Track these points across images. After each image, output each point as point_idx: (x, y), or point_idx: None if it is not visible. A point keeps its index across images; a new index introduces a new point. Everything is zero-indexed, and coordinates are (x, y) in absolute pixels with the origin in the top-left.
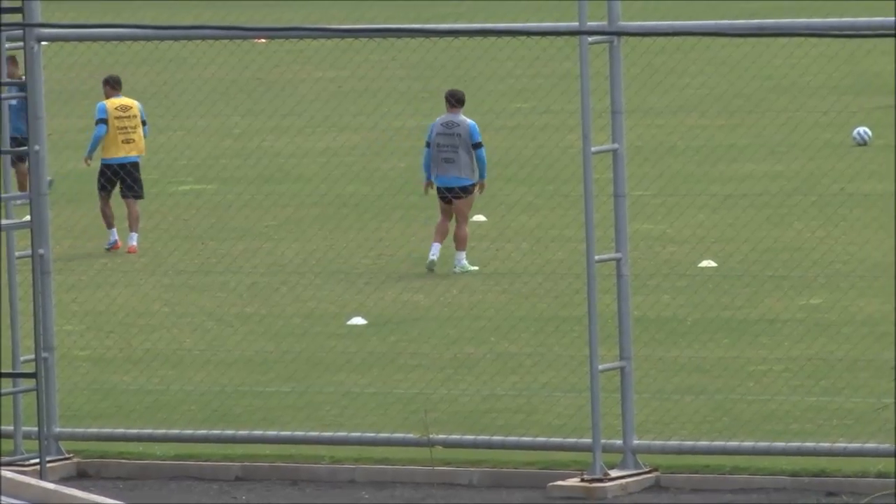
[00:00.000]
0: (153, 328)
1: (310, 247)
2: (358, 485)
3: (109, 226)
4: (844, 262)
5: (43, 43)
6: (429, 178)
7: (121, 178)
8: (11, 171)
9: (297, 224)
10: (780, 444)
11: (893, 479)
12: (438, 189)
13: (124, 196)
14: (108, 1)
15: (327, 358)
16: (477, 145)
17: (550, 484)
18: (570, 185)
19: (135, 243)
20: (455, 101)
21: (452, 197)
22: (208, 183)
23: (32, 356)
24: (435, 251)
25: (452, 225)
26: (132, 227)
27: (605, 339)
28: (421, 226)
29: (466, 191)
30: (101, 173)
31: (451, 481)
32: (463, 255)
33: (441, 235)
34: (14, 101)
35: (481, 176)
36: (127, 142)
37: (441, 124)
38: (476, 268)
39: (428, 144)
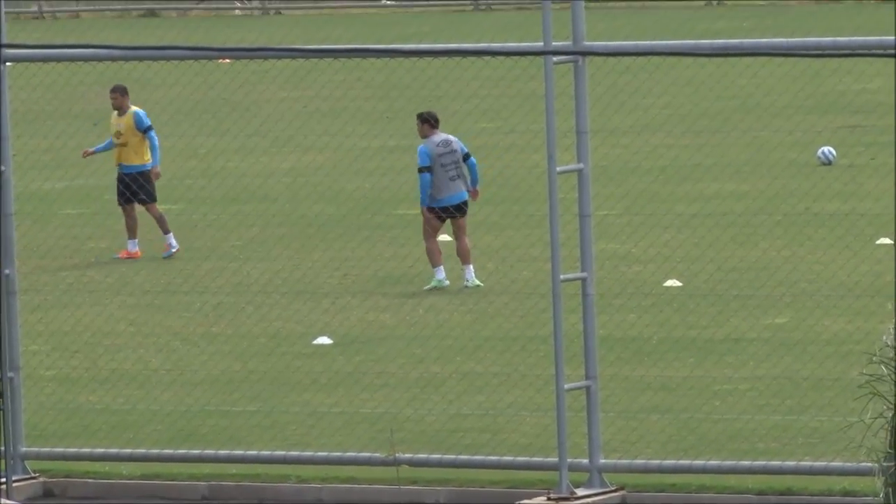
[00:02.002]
0: (119, 348)
1: (275, 266)
2: None
3: (132, 235)
4: (810, 282)
5: (7, 63)
6: (427, 203)
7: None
8: None
9: (263, 244)
10: (745, 463)
11: (865, 498)
12: (446, 209)
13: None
14: (73, 20)
15: (293, 377)
16: (467, 156)
17: (517, 502)
18: (535, 204)
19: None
20: (435, 121)
21: (459, 214)
22: (174, 203)
23: None
24: (443, 273)
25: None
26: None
27: (570, 359)
28: (386, 245)
29: (467, 204)
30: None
31: (418, 500)
32: (472, 268)
33: (441, 255)
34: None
35: (475, 183)
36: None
37: (438, 144)
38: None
39: (428, 169)
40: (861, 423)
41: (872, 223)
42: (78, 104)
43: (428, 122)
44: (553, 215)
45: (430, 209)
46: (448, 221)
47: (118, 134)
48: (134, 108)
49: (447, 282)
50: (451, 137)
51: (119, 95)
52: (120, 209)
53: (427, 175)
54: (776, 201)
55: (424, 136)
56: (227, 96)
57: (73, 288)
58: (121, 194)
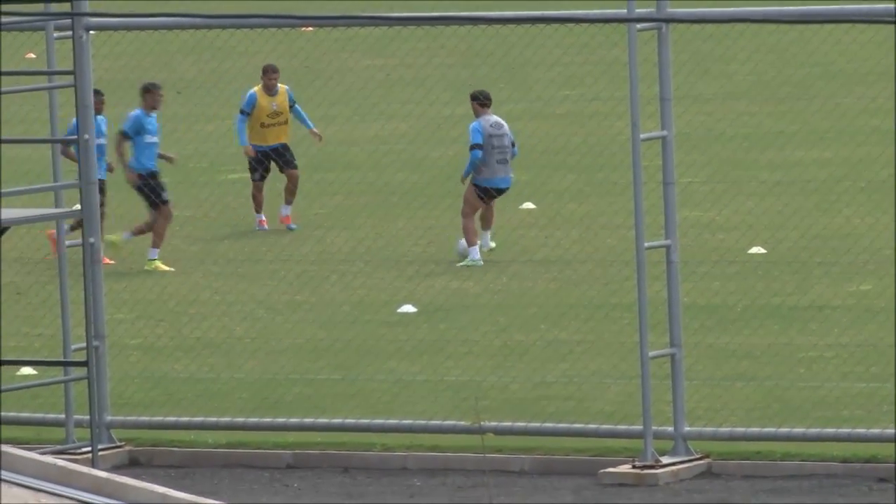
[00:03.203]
0: (203, 316)
1: (359, 235)
2: (409, 472)
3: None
4: (893, 249)
5: (91, 32)
6: (475, 180)
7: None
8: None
9: (346, 212)
10: (830, 431)
11: None
12: (488, 190)
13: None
14: None
15: (377, 346)
16: (512, 144)
17: (602, 471)
18: (619, 172)
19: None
20: (487, 100)
21: (496, 197)
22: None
23: (83, 345)
24: (478, 253)
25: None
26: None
27: (654, 326)
28: None
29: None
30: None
31: (503, 468)
32: (489, 234)
33: (477, 235)
34: (153, 139)
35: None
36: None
37: (492, 125)
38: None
39: (480, 147)
40: None
41: None
42: (161, 72)
43: (479, 100)
44: (637, 183)
45: (476, 187)
46: None
47: (275, 114)
48: (284, 86)
49: (482, 262)
50: (503, 121)
51: (278, 75)
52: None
53: (478, 152)
54: (859, 168)
55: (477, 114)
56: (310, 64)
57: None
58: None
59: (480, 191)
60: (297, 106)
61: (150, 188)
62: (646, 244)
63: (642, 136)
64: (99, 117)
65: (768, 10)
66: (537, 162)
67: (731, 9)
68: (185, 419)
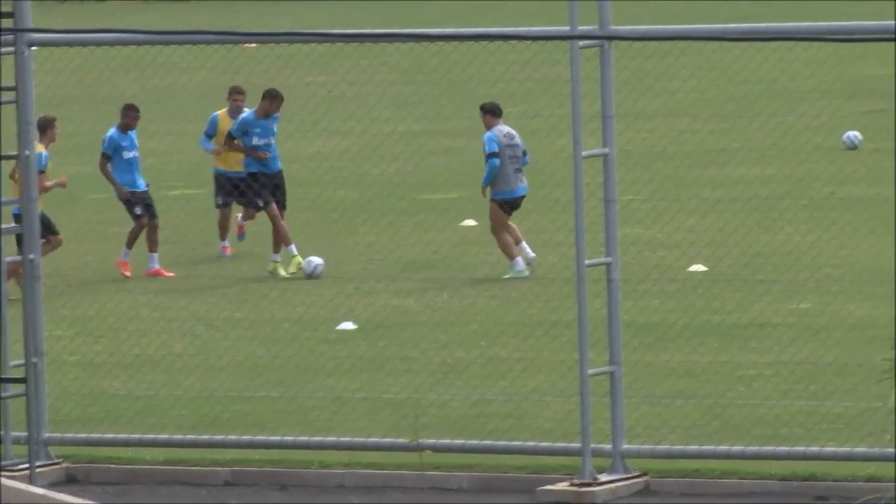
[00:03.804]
0: (143, 333)
1: (302, 252)
2: (347, 490)
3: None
4: (834, 267)
5: (33, 48)
6: (493, 195)
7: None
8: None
9: (287, 229)
10: (769, 449)
11: (888, 483)
12: (507, 201)
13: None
14: (98, 4)
15: (317, 363)
16: (524, 153)
17: (540, 488)
18: (560, 189)
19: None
20: (499, 112)
21: (517, 207)
22: (199, 187)
23: (22, 361)
24: (521, 264)
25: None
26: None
27: (594, 344)
28: (410, 230)
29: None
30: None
31: (441, 486)
32: (524, 244)
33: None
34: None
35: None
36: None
37: (505, 135)
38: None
39: (497, 155)
40: (885, 409)
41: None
42: (104, 89)
43: (492, 112)
44: (578, 200)
45: (497, 201)
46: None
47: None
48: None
49: (526, 272)
50: (514, 132)
51: (244, 97)
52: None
53: (497, 161)
54: (801, 186)
55: (489, 126)
56: (253, 80)
57: (97, 273)
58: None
59: (503, 203)
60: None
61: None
62: (586, 262)
63: (584, 153)
64: (131, 132)
65: (711, 28)
66: (479, 179)
67: (674, 26)
68: (123, 436)
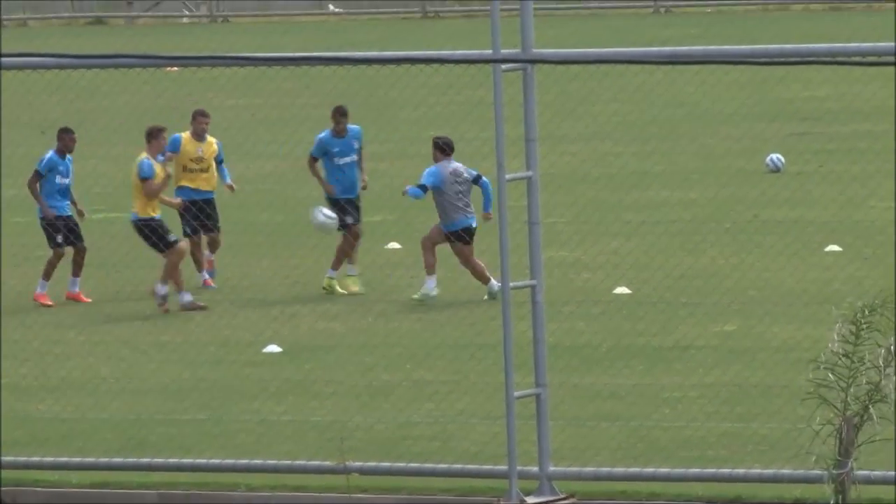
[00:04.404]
0: (68, 356)
1: (224, 274)
2: None
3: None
4: (758, 289)
5: None
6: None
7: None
8: None
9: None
10: (695, 471)
11: None
12: (457, 233)
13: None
14: (20, 27)
15: (243, 386)
16: (478, 177)
17: None
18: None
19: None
20: (450, 149)
21: (465, 240)
22: (122, 211)
23: None
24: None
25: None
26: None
27: (520, 366)
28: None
29: (474, 231)
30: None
31: None
32: (493, 281)
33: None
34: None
35: (488, 205)
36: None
37: (451, 172)
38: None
39: (424, 188)
40: (810, 430)
41: (821, 230)
42: (25, 112)
43: (441, 149)
44: (502, 223)
45: (443, 230)
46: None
47: (199, 159)
48: (214, 140)
49: (434, 294)
50: (461, 167)
51: (209, 120)
52: (187, 239)
53: (420, 191)
54: (724, 209)
55: (436, 160)
56: (176, 104)
57: (22, 296)
58: (202, 224)
59: (452, 235)
60: (223, 165)
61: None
62: (511, 284)
63: (508, 176)
64: (69, 157)
65: (633, 52)
66: (402, 202)
67: (596, 50)
68: (49, 459)
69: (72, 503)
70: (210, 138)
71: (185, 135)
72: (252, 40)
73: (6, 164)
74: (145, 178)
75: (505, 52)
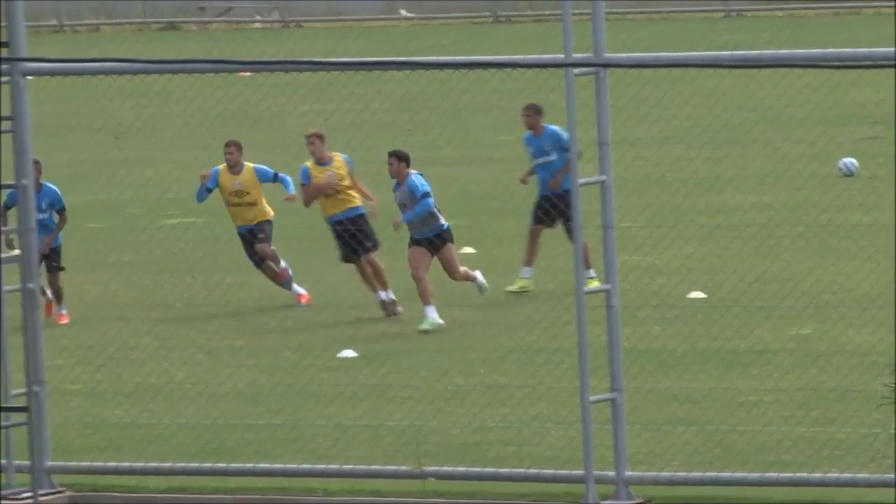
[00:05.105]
0: (143, 361)
1: (300, 279)
2: None
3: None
4: (833, 293)
5: (28, 77)
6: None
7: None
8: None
9: (286, 257)
10: (772, 475)
11: None
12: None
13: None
14: (93, 33)
15: (318, 390)
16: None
17: None
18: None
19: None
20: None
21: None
22: (196, 216)
23: (24, 390)
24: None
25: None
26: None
27: (595, 371)
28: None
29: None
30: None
31: None
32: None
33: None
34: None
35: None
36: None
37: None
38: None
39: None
40: (886, 434)
41: (894, 234)
42: (99, 118)
43: (408, 161)
44: (576, 227)
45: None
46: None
47: (239, 192)
48: (250, 165)
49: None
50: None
51: (235, 150)
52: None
53: (430, 200)
54: (798, 213)
55: (404, 173)
56: (249, 109)
57: (97, 302)
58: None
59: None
60: (281, 175)
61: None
62: (585, 288)
63: (581, 180)
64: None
65: (705, 56)
66: (476, 207)
67: (669, 54)
68: (125, 464)
69: None
70: (248, 165)
71: (223, 167)
72: (324, 45)
73: (80, 171)
74: (302, 183)
75: (577, 56)
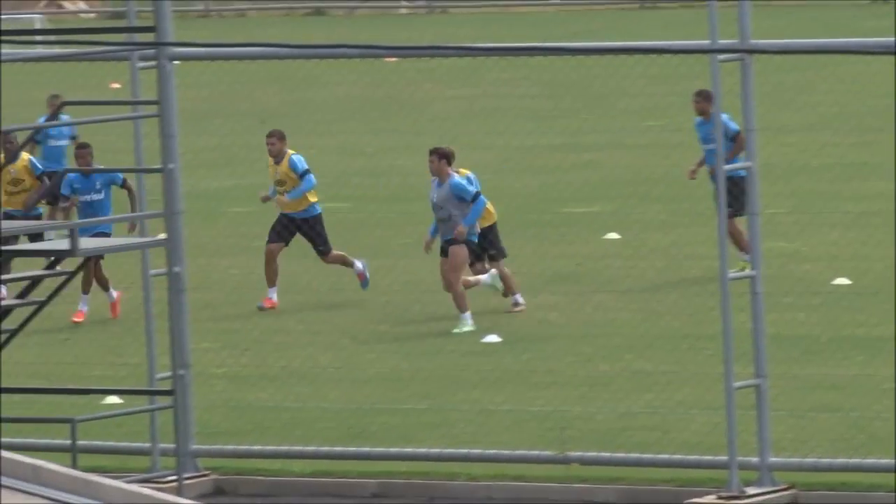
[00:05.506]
0: (288, 346)
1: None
2: (494, 502)
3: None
4: None
5: (174, 62)
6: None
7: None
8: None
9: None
10: None
11: None
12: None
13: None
14: (239, 18)
15: (462, 375)
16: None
17: (687, 501)
18: (703, 203)
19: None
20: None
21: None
22: (341, 201)
23: (169, 373)
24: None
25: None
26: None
27: (739, 357)
28: (553, 244)
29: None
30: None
31: (588, 499)
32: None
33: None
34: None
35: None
36: None
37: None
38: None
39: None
40: None
41: None
42: (245, 102)
43: (448, 159)
44: (721, 213)
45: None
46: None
47: (279, 182)
48: (290, 153)
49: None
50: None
51: (277, 140)
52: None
53: (483, 201)
54: None
55: (447, 172)
56: (394, 94)
57: (242, 286)
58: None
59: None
60: (309, 175)
61: None
62: (730, 274)
63: (726, 167)
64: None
65: (852, 42)
66: (621, 192)
67: (814, 40)
68: (270, 448)
69: (292, 492)
70: (288, 155)
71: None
72: (469, 31)
73: (224, 155)
74: None
75: (722, 42)
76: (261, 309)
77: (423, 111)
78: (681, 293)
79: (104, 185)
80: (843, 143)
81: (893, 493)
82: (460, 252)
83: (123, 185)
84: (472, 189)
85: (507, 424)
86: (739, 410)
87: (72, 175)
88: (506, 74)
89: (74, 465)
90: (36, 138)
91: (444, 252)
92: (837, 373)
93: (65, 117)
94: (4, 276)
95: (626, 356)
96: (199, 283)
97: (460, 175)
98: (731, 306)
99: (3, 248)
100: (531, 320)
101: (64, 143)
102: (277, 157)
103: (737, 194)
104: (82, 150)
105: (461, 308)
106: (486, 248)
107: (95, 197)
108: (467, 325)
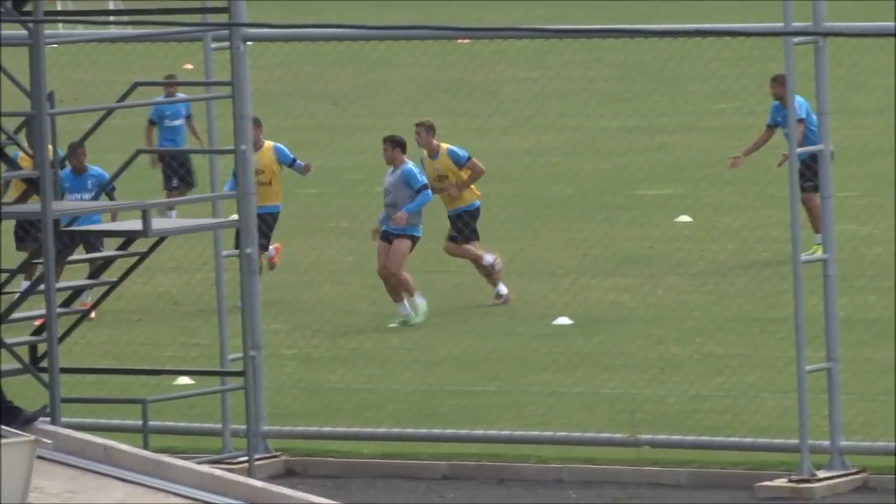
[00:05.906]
0: (359, 328)
1: (515, 246)
2: (565, 484)
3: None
4: None
5: (248, 43)
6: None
7: None
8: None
9: (502, 224)
10: None
11: None
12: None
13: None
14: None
15: (532, 358)
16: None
17: (758, 484)
18: (775, 185)
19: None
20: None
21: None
22: None
23: (240, 355)
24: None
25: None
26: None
27: (811, 340)
28: (625, 226)
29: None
30: None
31: (658, 481)
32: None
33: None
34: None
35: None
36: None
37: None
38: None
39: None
40: None
41: None
42: (318, 84)
43: (404, 147)
44: (794, 197)
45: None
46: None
47: (257, 171)
48: (444, 146)
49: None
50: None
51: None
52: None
53: (427, 193)
54: None
55: (401, 160)
56: (467, 76)
57: (314, 267)
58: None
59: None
60: (297, 162)
61: None
62: (802, 258)
63: (799, 150)
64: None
65: None
66: (693, 175)
67: (889, 23)
68: (340, 429)
69: (363, 474)
70: (267, 144)
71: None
72: (542, 13)
73: (297, 137)
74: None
75: (796, 24)
76: (271, 266)
77: (496, 93)
78: (752, 276)
79: (95, 186)
80: None
81: None
82: (402, 247)
83: (110, 193)
84: (422, 179)
85: (578, 407)
86: (810, 394)
87: (63, 174)
88: (578, 56)
89: (146, 446)
90: (152, 119)
91: (385, 237)
92: None
93: (181, 95)
94: (77, 257)
95: (697, 339)
96: (295, 265)
97: (443, 149)
98: (803, 289)
99: (78, 228)
100: (602, 303)
101: (178, 122)
102: (257, 143)
103: (817, 170)
104: (76, 149)
105: (408, 292)
106: (460, 229)
107: (86, 196)
108: (421, 310)
